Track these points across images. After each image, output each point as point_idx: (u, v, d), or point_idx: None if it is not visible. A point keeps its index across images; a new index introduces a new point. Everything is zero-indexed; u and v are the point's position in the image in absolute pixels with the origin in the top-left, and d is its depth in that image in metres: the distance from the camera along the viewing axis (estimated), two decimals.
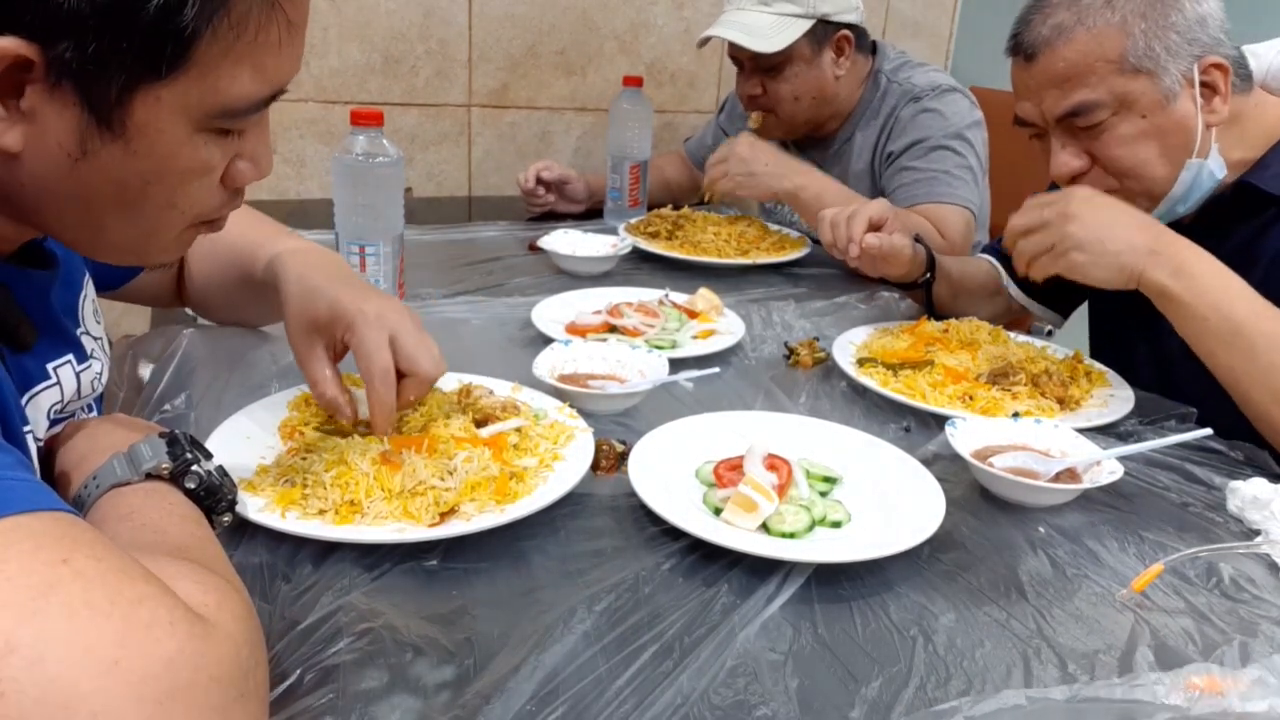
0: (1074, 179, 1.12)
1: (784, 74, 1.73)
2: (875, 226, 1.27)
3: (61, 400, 0.74)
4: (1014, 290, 1.45)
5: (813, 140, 1.89)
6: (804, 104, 1.77)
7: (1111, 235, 1.01)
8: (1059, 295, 1.40)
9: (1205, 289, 0.98)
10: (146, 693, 0.42)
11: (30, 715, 0.40)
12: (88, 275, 0.83)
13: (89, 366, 0.78)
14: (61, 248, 0.76)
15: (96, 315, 0.84)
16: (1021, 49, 1.10)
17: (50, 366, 0.73)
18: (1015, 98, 1.15)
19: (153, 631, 0.44)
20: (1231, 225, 1.13)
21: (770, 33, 1.68)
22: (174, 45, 0.55)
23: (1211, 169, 1.08)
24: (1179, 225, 1.18)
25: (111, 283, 0.99)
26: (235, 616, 0.51)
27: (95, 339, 0.82)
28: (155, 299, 1.08)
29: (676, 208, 1.82)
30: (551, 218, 1.93)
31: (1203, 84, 1.05)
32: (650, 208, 1.90)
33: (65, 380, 0.74)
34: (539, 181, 1.93)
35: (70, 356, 0.75)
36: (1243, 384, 0.97)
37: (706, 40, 1.76)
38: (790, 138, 1.88)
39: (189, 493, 0.65)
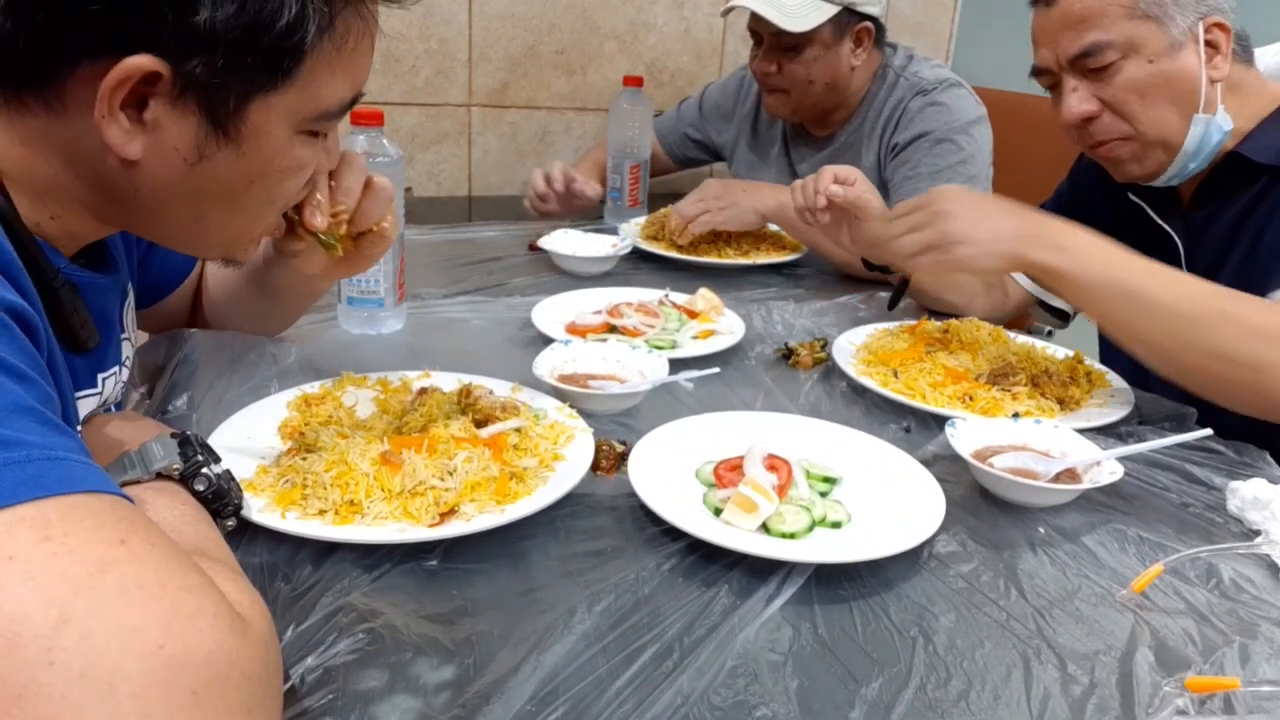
0: (1085, 122, 1.16)
1: (802, 56, 1.73)
2: (843, 184, 1.27)
3: (96, 408, 0.75)
4: (1024, 281, 1.45)
5: (819, 136, 1.90)
6: (816, 88, 1.77)
7: (988, 224, 1.07)
8: None
9: (1089, 257, 1.03)
10: (184, 680, 0.43)
11: (74, 686, 0.40)
12: (130, 283, 0.84)
13: (120, 376, 0.79)
14: (119, 252, 0.77)
15: (134, 322, 0.86)
16: None
17: (100, 376, 0.75)
18: (1035, 47, 1.20)
19: (197, 621, 0.45)
20: (1225, 196, 1.17)
21: (798, 12, 1.69)
22: (291, 59, 0.61)
23: (1219, 123, 1.12)
24: (1175, 196, 1.22)
25: (145, 301, 1.01)
26: (264, 618, 0.52)
27: (132, 345, 0.84)
28: (170, 323, 1.08)
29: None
30: (545, 218, 1.92)
31: (1206, 42, 1.11)
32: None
33: (107, 390, 0.76)
34: (549, 184, 1.86)
35: (116, 368, 0.77)
36: (1143, 335, 1.01)
37: (730, 9, 1.76)
38: (795, 119, 1.89)
39: (197, 494, 0.66)
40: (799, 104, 1.81)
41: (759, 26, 1.76)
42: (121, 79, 0.57)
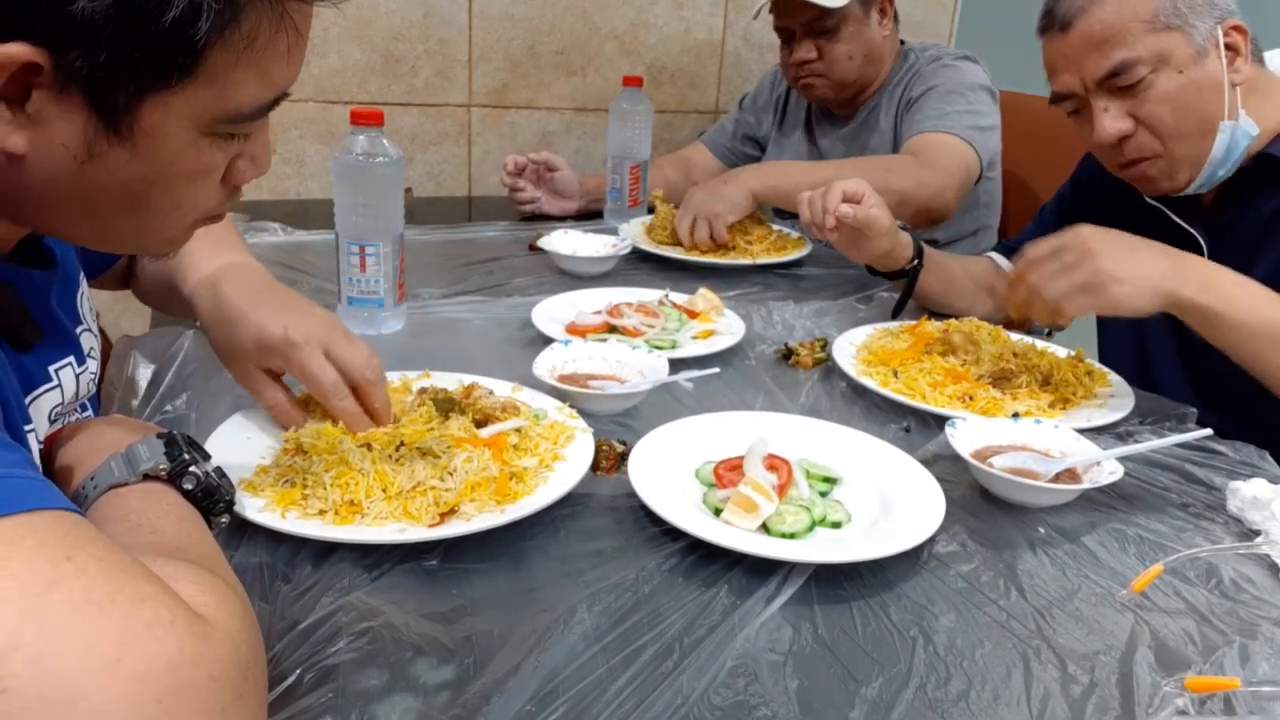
0: (1120, 141, 1.15)
1: (840, 34, 1.83)
2: (852, 201, 1.28)
3: (61, 402, 0.74)
4: None
5: (841, 116, 1.98)
6: (856, 63, 1.86)
7: (1138, 262, 1.02)
8: None
9: (1233, 297, 1.00)
10: (147, 691, 0.42)
11: (32, 712, 0.40)
12: (82, 271, 0.83)
13: (86, 368, 0.78)
14: (59, 245, 0.76)
15: (92, 311, 0.84)
16: (1056, 21, 1.15)
17: (52, 368, 0.73)
18: (1052, 74, 1.19)
19: (154, 630, 0.44)
20: (1255, 198, 1.17)
21: None
22: (185, 56, 0.57)
23: (1245, 128, 1.12)
24: (1196, 197, 1.21)
25: (94, 273, 0.99)
26: (234, 616, 0.51)
27: (94, 335, 0.82)
28: (106, 283, 1.07)
29: (678, 208, 1.83)
30: (544, 219, 1.93)
31: (1226, 45, 1.10)
32: (650, 209, 1.90)
33: (66, 382, 0.74)
34: (519, 173, 1.93)
35: (71, 358, 0.75)
36: None
37: (759, 11, 1.86)
38: (834, 98, 1.95)
39: (186, 494, 0.65)
40: (840, 83, 1.89)
41: (789, 21, 1.85)
42: None
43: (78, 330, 0.78)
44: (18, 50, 0.52)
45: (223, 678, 0.46)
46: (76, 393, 0.76)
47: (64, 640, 0.41)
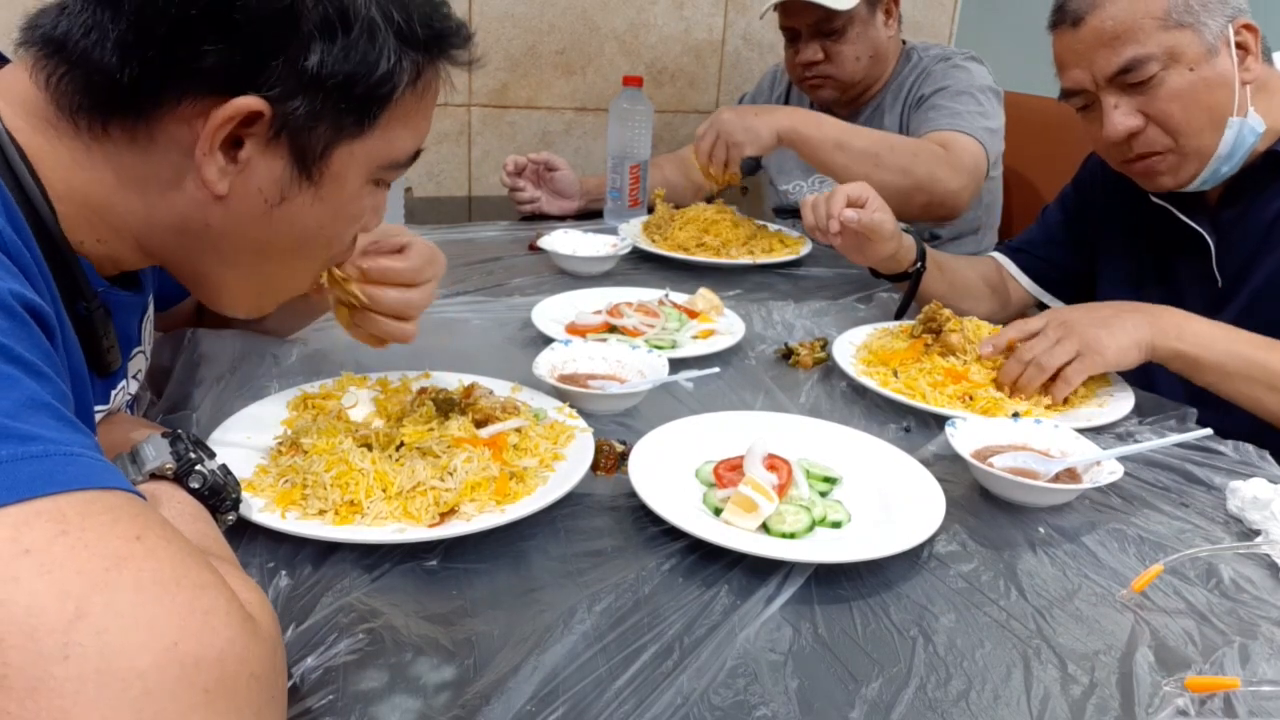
0: (1130, 137, 1.16)
1: (847, 35, 1.84)
2: (856, 205, 1.28)
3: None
4: (1026, 283, 1.46)
5: (843, 115, 1.96)
6: (863, 63, 1.87)
7: (1115, 325, 1.07)
8: (1070, 287, 1.44)
9: (1209, 340, 1.04)
10: (197, 679, 0.43)
11: (89, 682, 0.40)
12: (151, 296, 0.84)
13: (127, 389, 0.79)
14: (144, 271, 0.78)
15: (150, 336, 0.86)
16: (1068, 16, 1.16)
17: (113, 392, 0.75)
18: (1063, 69, 1.19)
19: (210, 620, 0.45)
20: (1261, 196, 1.18)
21: None
22: (380, 105, 0.64)
23: (1252, 125, 1.13)
24: (1201, 195, 1.22)
25: (164, 305, 1.00)
26: (271, 617, 0.52)
27: (146, 358, 0.84)
28: (181, 322, 1.08)
29: (677, 208, 1.83)
30: (544, 219, 1.93)
31: (1237, 44, 1.12)
32: (650, 209, 1.91)
33: (116, 404, 0.76)
34: (519, 173, 1.94)
35: (124, 381, 0.77)
36: (1272, 408, 1.03)
37: (769, 8, 1.87)
38: (839, 99, 1.95)
39: (193, 492, 0.65)
40: (847, 84, 1.90)
41: (796, 21, 1.85)
42: (228, 117, 0.59)
43: (134, 351, 0.80)
44: (249, 102, 0.59)
45: (262, 678, 0.47)
46: (114, 410, 0.77)
47: (129, 617, 0.42)
